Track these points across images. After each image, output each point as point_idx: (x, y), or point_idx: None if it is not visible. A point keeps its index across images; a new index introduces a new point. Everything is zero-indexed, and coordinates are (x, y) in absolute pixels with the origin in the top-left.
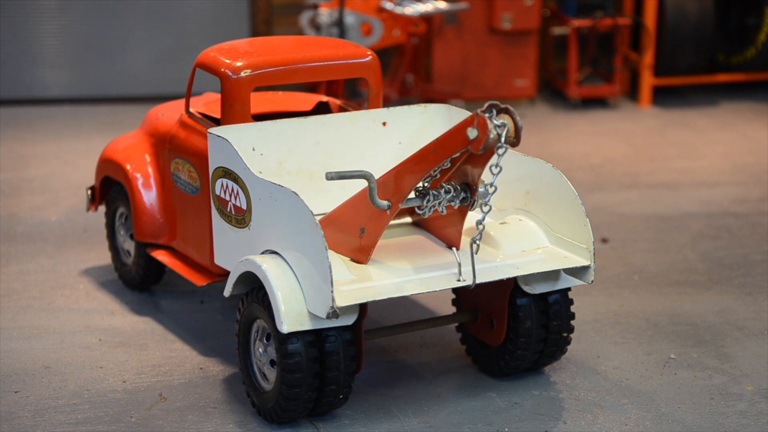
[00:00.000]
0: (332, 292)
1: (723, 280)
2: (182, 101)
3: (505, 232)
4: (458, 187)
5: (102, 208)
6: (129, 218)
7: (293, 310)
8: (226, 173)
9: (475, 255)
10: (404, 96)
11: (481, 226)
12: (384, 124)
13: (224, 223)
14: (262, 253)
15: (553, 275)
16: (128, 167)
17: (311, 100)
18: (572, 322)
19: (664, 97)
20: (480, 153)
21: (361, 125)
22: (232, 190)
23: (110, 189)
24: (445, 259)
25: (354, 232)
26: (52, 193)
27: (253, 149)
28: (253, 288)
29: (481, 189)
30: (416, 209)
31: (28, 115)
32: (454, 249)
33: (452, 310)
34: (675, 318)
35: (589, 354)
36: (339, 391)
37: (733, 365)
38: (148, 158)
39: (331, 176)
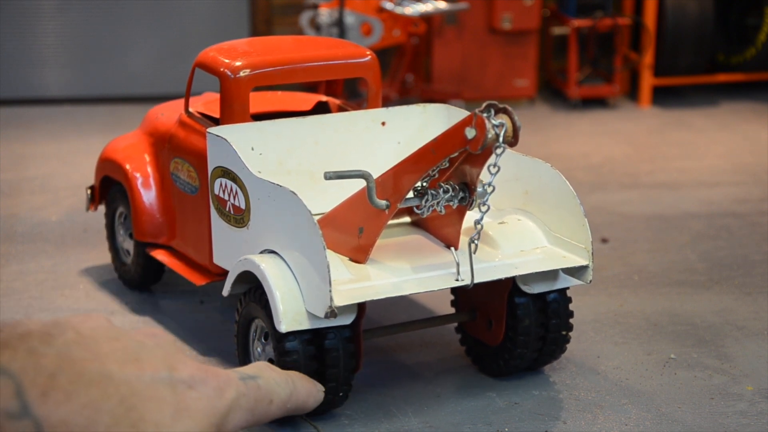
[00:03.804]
0: (330, 291)
1: (723, 280)
2: (182, 101)
3: (504, 232)
4: (457, 187)
5: (102, 208)
6: (128, 218)
7: (291, 310)
8: (225, 173)
9: (473, 255)
10: (404, 96)
11: (479, 226)
12: (383, 123)
13: (223, 222)
14: (261, 252)
15: (551, 275)
16: (128, 167)
17: (310, 99)
18: (571, 321)
19: (664, 97)
20: (478, 153)
21: (360, 125)
22: (231, 189)
23: (110, 189)
24: (443, 258)
25: (353, 231)
26: (52, 193)
27: (252, 149)
28: (252, 287)
29: (479, 189)
30: (415, 209)
31: (28, 115)
32: (452, 249)
33: (451, 310)
34: (675, 318)
35: (589, 354)
36: (339, 389)
37: (733, 365)
38: (147, 158)
39: (330, 176)
